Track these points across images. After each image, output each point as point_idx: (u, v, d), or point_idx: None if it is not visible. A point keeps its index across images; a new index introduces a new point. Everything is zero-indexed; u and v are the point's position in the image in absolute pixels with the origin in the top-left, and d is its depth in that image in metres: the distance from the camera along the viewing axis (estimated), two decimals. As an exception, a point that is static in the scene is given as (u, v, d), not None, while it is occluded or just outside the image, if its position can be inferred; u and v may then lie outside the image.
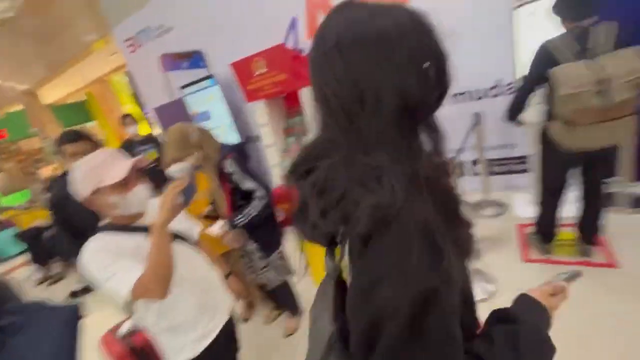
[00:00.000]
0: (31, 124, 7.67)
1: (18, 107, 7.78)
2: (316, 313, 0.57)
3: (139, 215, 1.10)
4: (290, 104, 3.48)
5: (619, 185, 2.22)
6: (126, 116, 3.57)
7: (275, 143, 3.56)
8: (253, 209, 1.70)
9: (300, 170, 0.51)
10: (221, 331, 1.22)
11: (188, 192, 1.04)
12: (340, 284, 0.53)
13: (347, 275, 0.50)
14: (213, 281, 1.30)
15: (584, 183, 1.82)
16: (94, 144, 1.64)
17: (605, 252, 1.95)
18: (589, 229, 1.90)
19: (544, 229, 2.03)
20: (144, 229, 1.05)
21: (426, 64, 0.44)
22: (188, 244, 1.24)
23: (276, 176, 3.59)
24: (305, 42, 3.31)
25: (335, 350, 0.47)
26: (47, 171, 6.76)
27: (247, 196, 1.73)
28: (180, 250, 1.11)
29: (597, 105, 1.42)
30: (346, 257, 0.48)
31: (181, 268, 1.05)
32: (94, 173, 0.99)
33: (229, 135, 3.99)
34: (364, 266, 0.43)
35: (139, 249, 1.00)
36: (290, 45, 3.34)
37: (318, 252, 1.81)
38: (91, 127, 9.89)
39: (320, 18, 0.43)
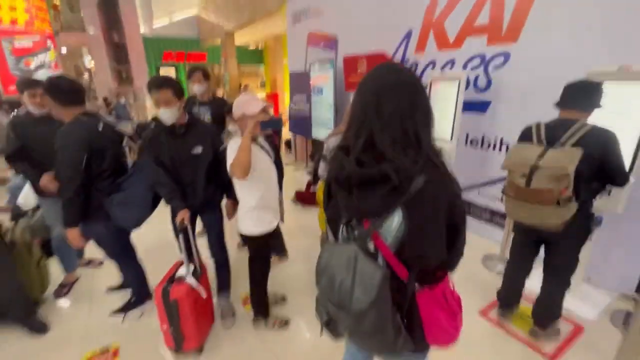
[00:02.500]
0: (222, 57, 10.18)
1: (217, 43, 10.37)
2: (335, 262, 0.83)
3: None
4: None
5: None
6: (195, 70, 2.83)
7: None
8: None
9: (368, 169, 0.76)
10: (277, 226, 1.94)
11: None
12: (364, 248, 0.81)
13: (391, 233, 0.77)
14: (277, 193, 1.91)
15: (543, 264, 1.84)
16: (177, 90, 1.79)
17: (557, 344, 1.94)
18: (540, 312, 1.91)
19: (504, 295, 2.09)
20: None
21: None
22: (271, 161, 1.83)
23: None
24: (412, 56, 3.62)
25: (386, 281, 0.75)
26: (219, 93, 9.16)
27: None
28: (266, 161, 1.76)
29: (519, 184, 1.58)
30: (397, 217, 0.75)
31: (266, 173, 1.75)
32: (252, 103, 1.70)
33: (328, 112, 4.75)
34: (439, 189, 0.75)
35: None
36: (398, 55, 3.73)
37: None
38: (259, 70, 12.24)
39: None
